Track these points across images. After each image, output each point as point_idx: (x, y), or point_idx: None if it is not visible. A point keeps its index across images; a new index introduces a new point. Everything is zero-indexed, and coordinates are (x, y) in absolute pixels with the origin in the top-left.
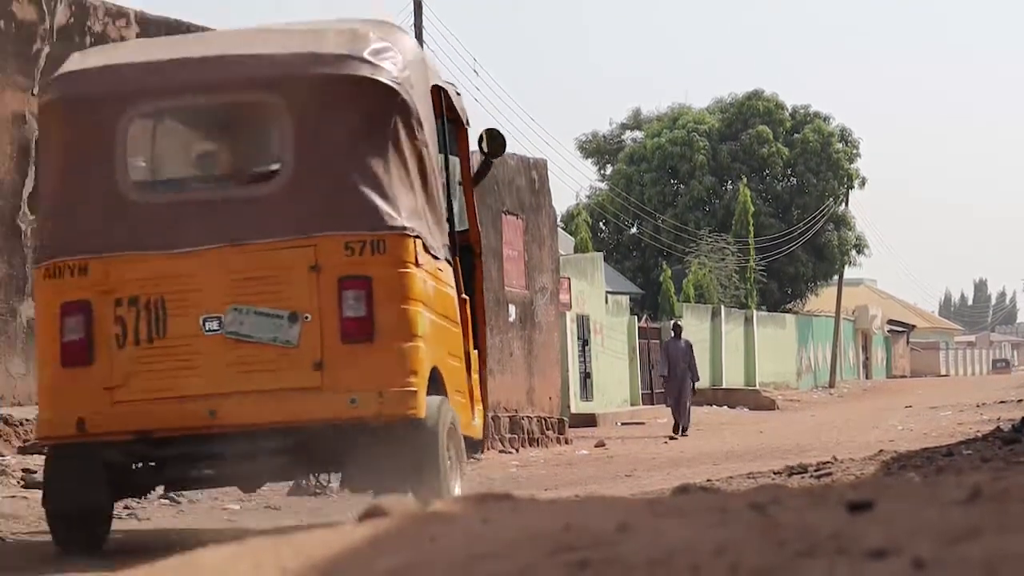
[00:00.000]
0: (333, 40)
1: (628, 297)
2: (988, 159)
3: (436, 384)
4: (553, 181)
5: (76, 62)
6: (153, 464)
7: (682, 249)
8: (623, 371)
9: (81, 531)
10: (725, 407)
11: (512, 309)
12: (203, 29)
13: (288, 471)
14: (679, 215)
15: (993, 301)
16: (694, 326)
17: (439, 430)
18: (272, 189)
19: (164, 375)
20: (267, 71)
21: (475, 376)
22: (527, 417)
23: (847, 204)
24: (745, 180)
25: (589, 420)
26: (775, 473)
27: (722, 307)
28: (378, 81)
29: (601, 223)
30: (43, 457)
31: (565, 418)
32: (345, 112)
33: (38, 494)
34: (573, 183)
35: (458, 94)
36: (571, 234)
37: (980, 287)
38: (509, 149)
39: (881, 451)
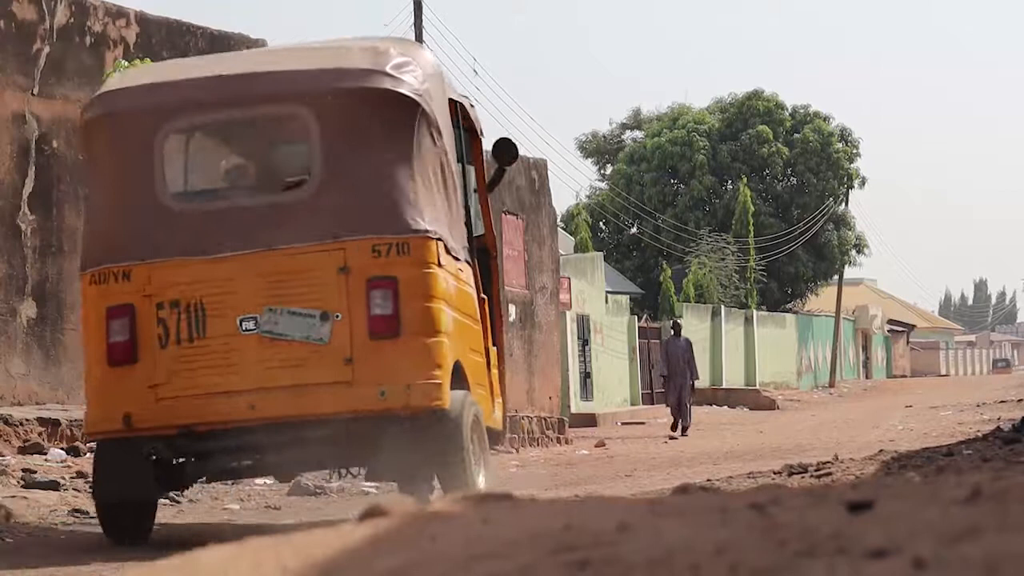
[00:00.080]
0: (357, 56)
1: (628, 297)
2: (988, 159)
3: (459, 378)
4: (553, 181)
5: (117, 81)
6: (196, 457)
7: (682, 249)
8: (623, 371)
9: (129, 522)
10: (725, 407)
11: (512, 309)
12: (203, 29)
13: (322, 461)
14: (679, 215)
15: (993, 301)
16: (694, 326)
17: (463, 421)
18: (302, 196)
19: (205, 372)
20: (296, 86)
21: (494, 371)
22: (527, 417)
23: (847, 204)
24: (745, 180)
25: (589, 420)
26: (775, 473)
27: (722, 307)
28: (400, 93)
29: (601, 223)
30: (42, 457)
31: (565, 418)
32: (370, 123)
33: (38, 493)
34: (573, 183)
35: (472, 106)
36: (571, 234)
37: (980, 287)
38: None
39: (881, 451)
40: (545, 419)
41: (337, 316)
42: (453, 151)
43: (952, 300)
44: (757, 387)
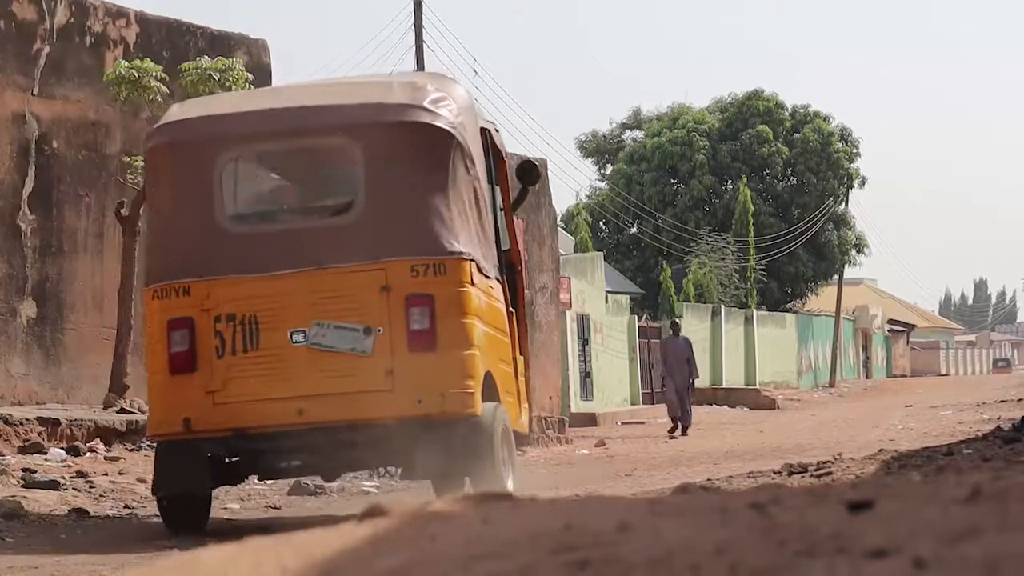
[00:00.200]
0: (398, 91)
1: (628, 297)
2: (988, 158)
3: (490, 387)
4: (553, 181)
5: (177, 112)
6: (248, 456)
7: (682, 248)
8: (623, 370)
9: (187, 515)
10: (725, 406)
11: None
12: (203, 29)
13: (363, 462)
14: (679, 215)
15: (993, 300)
16: (694, 325)
17: (494, 427)
18: (348, 220)
19: (258, 380)
20: (342, 119)
21: (522, 379)
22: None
23: (847, 203)
24: (745, 180)
25: (589, 420)
26: (775, 472)
27: (722, 306)
28: (437, 126)
29: (601, 223)
30: (42, 457)
31: (565, 418)
32: (409, 153)
33: (38, 493)
34: (573, 183)
35: (497, 131)
36: (571, 234)
37: (980, 286)
38: (509, 149)
39: (881, 450)
40: (545, 419)
41: (379, 330)
42: (485, 177)
43: (952, 300)
44: (757, 387)
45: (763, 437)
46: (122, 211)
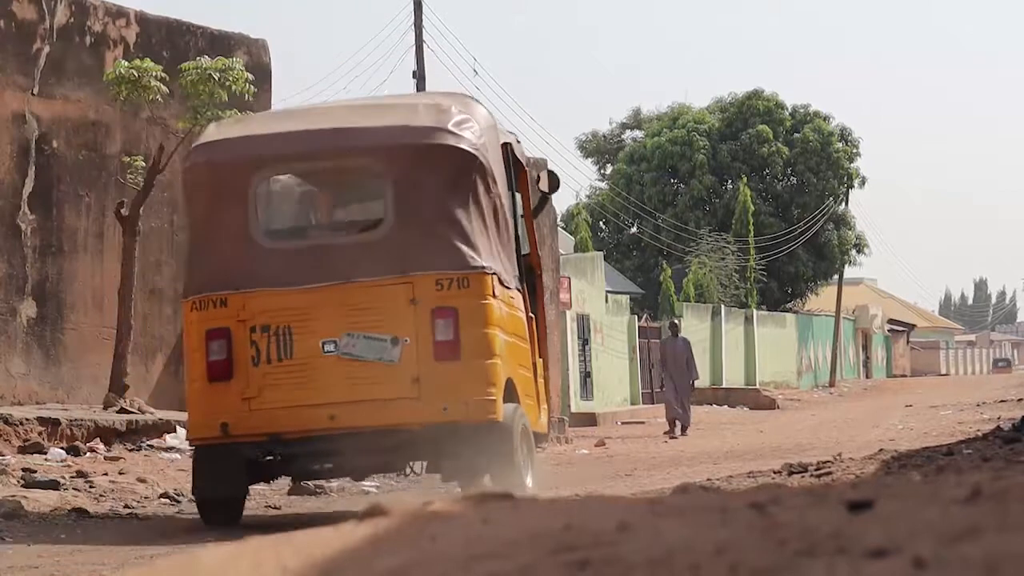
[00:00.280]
0: (423, 114)
1: (628, 296)
2: (988, 158)
3: (510, 392)
4: None
5: (214, 133)
6: (282, 459)
7: (682, 248)
8: (623, 370)
9: (223, 514)
10: (725, 406)
11: None
12: (203, 29)
13: (391, 464)
14: (679, 214)
15: (993, 300)
16: (694, 325)
17: (514, 430)
18: (376, 237)
19: (291, 387)
20: (370, 140)
21: (541, 381)
22: None
23: (847, 203)
24: (745, 179)
25: (589, 419)
26: (775, 472)
27: (722, 306)
28: (460, 148)
29: (601, 222)
30: (42, 457)
31: (565, 417)
32: (434, 173)
33: (38, 493)
34: (573, 183)
35: (518, 142)
36: (571, 234)
37: (980, 286)
38: None
39: (881, 450)
40: None
41: (406, 341)
42: (506, 193)
43: (952, 300)
44: (757, 387)
45: (763, 437)
46: (122, 211)
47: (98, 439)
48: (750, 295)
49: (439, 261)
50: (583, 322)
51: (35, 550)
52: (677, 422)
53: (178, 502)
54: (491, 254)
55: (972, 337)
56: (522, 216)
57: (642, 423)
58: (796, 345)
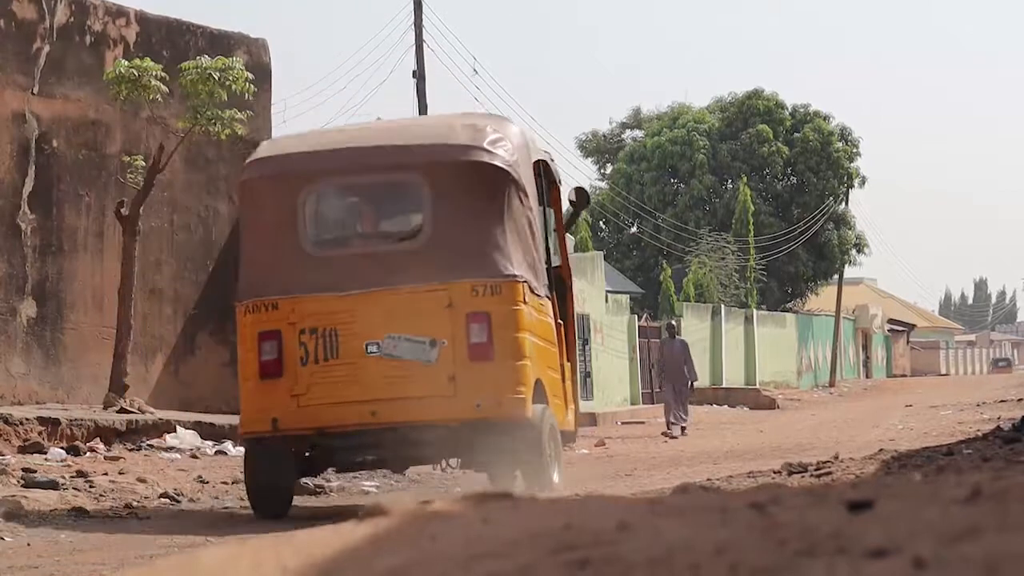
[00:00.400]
0: (460, 133)
1: (628, 296)
2: (988, 158)
3: (539, 392)
4: None
5: (266, 149)
6: (327, 452)
7: (682, 248)
8: (623, 370)
9: (273, 503)
10: (725, 406)
11: None
12: (203, 28)
13: (427, 457)
14: (679, 214)
15: (993, 300)
16: (694, 325)
17: (542, 428)
18: (416, 246)
19: (336, 385)
20: (411, 158)
21: (568, 383)
22: None
23: (847, 203)
24: (745, 179)
25: (589, 419)
26: (775, 472)
27: (722, 306)
28: (494, 165)
29: (601, 222)
30: (42, 456)
31: None
32: (470, 188)
33: (38, 493)
34: (573, 182)
35: (552, 160)
36: (571, 233)
37: (980, 286)
38: None
39: (881, 450)
40: None
41: (443, 343)
42: (537, 207)
43: (952, 299)
44: (757, 386)
45: (763, 437)
46: (122, 210)
47: (98, 439)
48: (750, 295)
49: (474, 269)
50: (583, 322)
51: (35, 550)
52: (675, 424)
53: (178, 502)
54: (522, 263)
55: (972, 337)
56: (554, 229)
57: (642, 423)
58: (796, 345)
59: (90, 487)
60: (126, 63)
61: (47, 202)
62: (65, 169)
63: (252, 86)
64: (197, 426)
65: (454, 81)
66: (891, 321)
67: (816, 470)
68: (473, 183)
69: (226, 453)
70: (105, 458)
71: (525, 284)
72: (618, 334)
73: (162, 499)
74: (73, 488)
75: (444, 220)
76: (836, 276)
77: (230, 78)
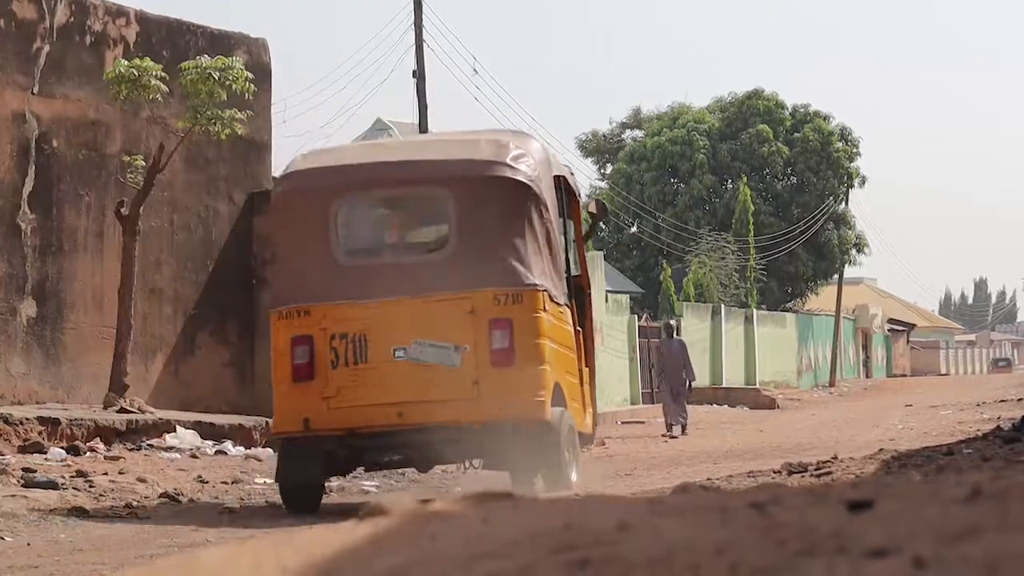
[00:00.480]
0: (484, 149)
1: (628, 296)
2: (988, 158)
3: (558, 396)
4: None
5: (300, 163)
6: (356, 452)
7: (682, 248)
8: (623, 370)
9: (304, 500)
10: (725, 406)
11: None
12: (203, 28)
13: (451, 457)
14: (679, 214)
15: (993, 300)
16: (694, 325)
17: (561, 429)
18: (441, 257)
19: (365, 388)
20: (437, 172)
21: (586, 388)
22: None
23: (847, 203)
24: (745, 179)
25: None
26: (775, 472)
27: (722, 306)
28: (516, 180)
29: (601, 222)
30: (42, 456)
31: None
32: (493, 201)
33: (38, 493)
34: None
35: (572, 174)
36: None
37: (980, 286)
38: None
39: (881, 450)
40: None
41: (466, 348)
42: (557, 220)
43: (952, 299)
44: (757, 386)
45: (763, 436)
46: (122, 210)
47: (98, 439)
48: (750, 295)
49: (496, 279)
50: None
51: (35, 550)
52: (674, 425)
53: (178, 502)
54: (543, 273)
55: (972, 337)
56: (573, 240)
57: (642, 423)
58: (796, 345)
59: (90, 487)
60: (126, 63)
61: (47, 202)
62: (65, 169)
63: (252, 86)
64: (197, 426)
65: (454, 81)
66: (891, 321)
67: (816, 470)
68: (496, 197)
69: (226, 453)
70: (105, 458)
71: (545, 293)
72: (618, 334)
73: (162, 499)
74: (73, 488)
75: (468, 232)
76: (836, 276)
77: (230, 78)
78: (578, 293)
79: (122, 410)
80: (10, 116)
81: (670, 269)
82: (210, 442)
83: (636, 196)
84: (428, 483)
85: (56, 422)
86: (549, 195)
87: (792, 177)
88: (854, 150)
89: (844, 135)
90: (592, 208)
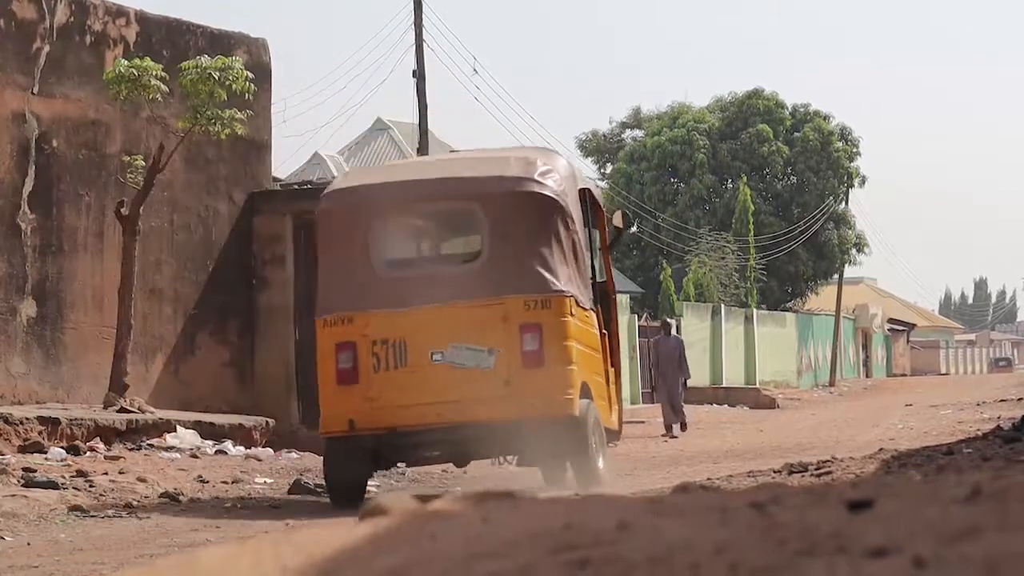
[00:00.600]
0: (514, 166)
1: (628, 296)
2: (988, 158)
3: (585, 394)
4: None
5: (342, 181)
6: (398, 449)
7: (682, 248)
8: (623, 370)
9: (349, 495)
10: (725, 406)
11: None
12: (203, 28)
13: (486, 452)
14: (679, 214)
15: (993, 300)
16: (694, 325)
17: (589, 425)
18: (475, 267)
19: (405, 390)
20: (470, 188)
21: (612, 387)
22: None
23: (847, 202)
24: (745, 179)
25: None
26: (775, 472)
27: (722, 306)
28: (544, 194)
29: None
30: (42, 456)
31: None
32: (523, 214)
33: (38, 492)
34: None
35: (596, 187)
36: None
37: (980, 285)
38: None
39: (881, 449)
40: None
41: (499, 351)
42: (582, 230)
43: (952, 299)
44: (757, 386)
45: (763, 436)
46: (122, 210)
47: (98, 438)
48: (750, 294)
49: (527, 286)
50: None
51: (35, 550)
52: (673, 424)
53: (178, 501)
54: (569, 280)
55: (972, 336)
56: (599, 249)
57: (642, 423)
58: (796, 344)
59: (90, 487)
60: (126, 63)
61: (47, 202)
62: (65, 169)
63: (252, 86)
64: (197, 426)
65: (454, 81)
66: (891, 321)
67: (816, 469)
68: (525, 210)
69: (226, 453)
70: (105, 458)
71: (572, 298)
72: None
73: (162, 499)
74: (73, 488)
75: (500, 243)
76: (836, 276)
77: (230, 78)
78: (603, 298)
79: (122, 410)
80: (10, 116)
81: (670, 269)
82: (210, 442)
83: (636, 196)
84: (428, 483)
85: (56, 422)
86: (575, 208)
87: (792, 177)
88: (854, 150)
89: (844, 135)
90: (616, 220)
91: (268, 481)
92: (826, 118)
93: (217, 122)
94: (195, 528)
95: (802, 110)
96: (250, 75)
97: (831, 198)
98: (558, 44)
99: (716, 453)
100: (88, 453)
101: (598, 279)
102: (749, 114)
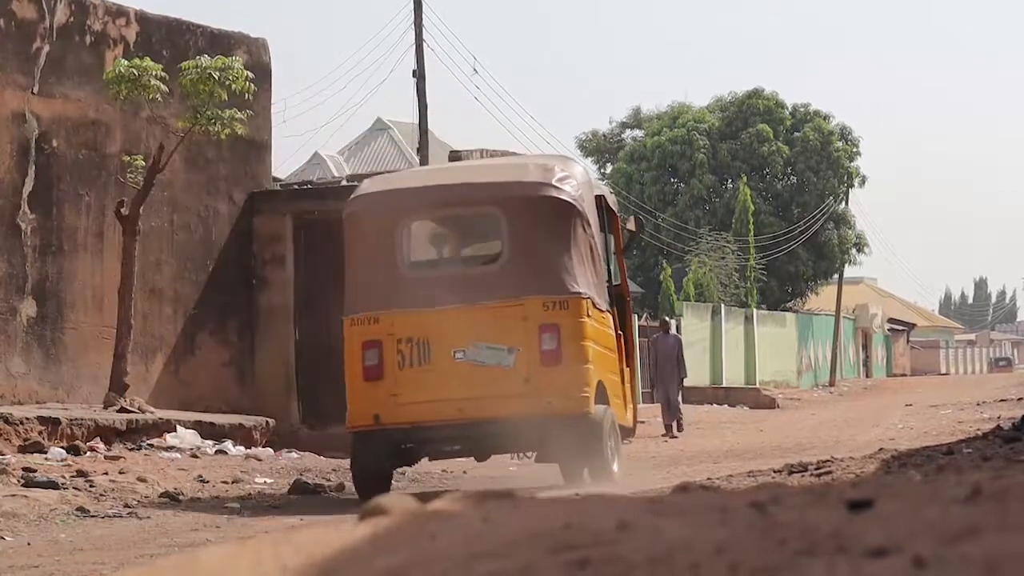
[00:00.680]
0: (533, 172)
1: None
2: (988, 158)
3: (601, 392)
4: None
5: (368, 187)
6: (420, 443)
7: (682, 248)
8: None
9: (374, 487)
10: (725, 405)
11: None
12: (203, 28)
13: (505, 448)
14: (679, 213)
15: (993, 299)
16: (694, 325)
17: (604, 422)
18: (496, 269)
19: (429, 386)
20: (491, 193)
21: (627, 386)
22: None
23: (847, 202)
24: (745, 178)
25: None
26: (775, 471)
27: (722, 305)
28: (562, 199)
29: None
30: (42, 456)
31: None
32: (541, 219)
33: (38, 492)
34: None
35: (611, 193)
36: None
37: (980, 285)
38: (509, 148)
39: (881, 449)
40: None
41: (519, 350)
42: (598, 234)
43: (952, 299)
44: (757, 386)
45: (763, 436)
46: (122, 210)
47: (98, 438)
48: (750, 294)
49: (545, 288)
50: None
51: (35, 550)
52: (672, 425)
53: (178, 501)
54: (586, 282)
55: (972, 336)
56: (614, 253)
57: (642, 423)
58: (796, 344)
59: (90, 487)
60: (126, 63)
61: (47, 202)
62: (65, 169)
63: (252, 86)
64: (197, 426)
65: (454, 81)
66: (891, 320)
67: (816, 469)
68: (544, 214)
69: (226, 452)
70: (105, 458)
71: (589, 300)
72: None
73: (162, 498)
74: (73, 488)
75: (519, 246)
76: (836, 276)
77: (230, 78)
78: (619, 300)
79: (122, 410)
80: (10, 116)
81: (670, 269)
82: (210, 442)
83: (636, 196)
84: (428, 483)
85: (56, 422)
86: (591, 212)
87: (792, 177)
88: (854, 150)
89: (844, 135)
90: (631, 225)
91: (268, 481)
92: (826, 118)
93: (217, 122)
94: (195, 528)
95: (802, 110)
96: (250, 75)
97: (831, 198)
98: (558, 44)
99: (716, 453)
100: (88, 453)
101: (613, 282)
102: (749, 114)
